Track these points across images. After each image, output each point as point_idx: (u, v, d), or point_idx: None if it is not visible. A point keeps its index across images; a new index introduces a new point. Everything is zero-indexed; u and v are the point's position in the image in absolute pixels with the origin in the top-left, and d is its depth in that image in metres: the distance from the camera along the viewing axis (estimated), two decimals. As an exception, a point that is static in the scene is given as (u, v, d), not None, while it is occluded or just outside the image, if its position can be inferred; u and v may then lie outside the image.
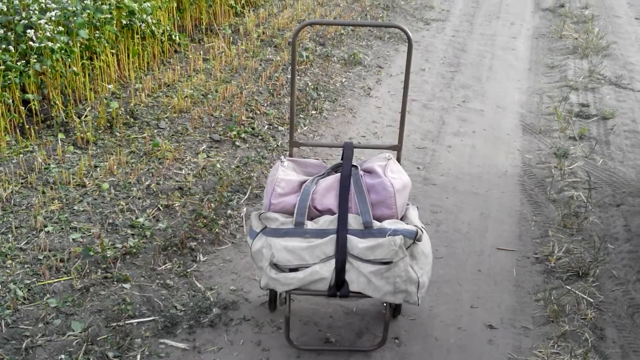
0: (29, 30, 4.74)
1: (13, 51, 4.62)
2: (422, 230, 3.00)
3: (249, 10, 8.17)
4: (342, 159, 3.11)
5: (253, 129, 5.17)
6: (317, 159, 3.81)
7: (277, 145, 5.01)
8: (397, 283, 2.90)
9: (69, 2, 5.24)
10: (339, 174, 3.06)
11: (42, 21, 4.84)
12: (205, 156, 4.70)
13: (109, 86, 5.21)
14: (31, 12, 5.00)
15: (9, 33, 4.86)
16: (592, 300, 3.57)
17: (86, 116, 5.04)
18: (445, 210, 4.39)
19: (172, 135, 4.97)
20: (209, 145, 4.88)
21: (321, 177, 3.10)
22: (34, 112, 4.88)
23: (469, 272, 3.78)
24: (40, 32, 4.86)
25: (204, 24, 7.29)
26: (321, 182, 3.06)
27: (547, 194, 4.62)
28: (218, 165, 4.57)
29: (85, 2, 5.36)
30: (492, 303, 3.54)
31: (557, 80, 6.81)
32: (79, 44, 5.28)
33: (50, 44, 4.83)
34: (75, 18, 5.18)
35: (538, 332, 3.33)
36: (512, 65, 7.25)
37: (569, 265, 3.83)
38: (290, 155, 3.33)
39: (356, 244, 2.89)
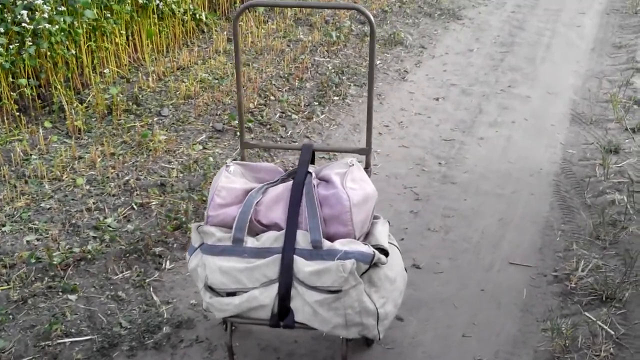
0: (22, 11, 4.46)
1: (-1, 33, 4.35)
2: (386, 252, 2.51)
3: (292, -14, 7.70)
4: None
5: (262, 117, 4.74)
6: (272, 163, 3.28)
7: (287, 136, 4.57)
8: (348, 315, 2.43)
9: (74, -20, 4.94)
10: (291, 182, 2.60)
11: (39, 1, 4.55)
12: (200, 148, 4.32)
13: (106, 70, 4.89)
14: (31, -9, 4.72)
15: (6, 14, 4.60)
16: (612, 332, 2.98)
17: (88, 102, 4.75)
18: (459, 215, 3.85)
19: (172, 123, 4.61)
20: (209, 135, 4.50)
21: (272, 184, 2.65)
22: (29, 98, 4.62)
23: (470, 291, 3.25)
24: (38, 12, 4.58)
25: (238, 1, 6.88)
26: (270, 190, 2.61)
27: (584, 198, 3.99)
28: (211, 159, 4.17)
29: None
30: (489, 331, 3.00)
31: (622, 62, 6.04)
32: (84, 25, 4.98)
33: (47, 25, 4.55)
34: (79, -3, 4.88)
35: (537, 372, 2.79)
36: (574, 45, 6.51)
37: (592, 287, 3.23)
38: (242, 158, 2.89)
39: (302, 267, 2.43)
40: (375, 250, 2.46)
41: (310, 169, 2.62)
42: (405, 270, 2.79)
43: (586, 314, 3.08)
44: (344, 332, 2.48)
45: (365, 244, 2.48)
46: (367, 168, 2.73)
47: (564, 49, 6.40)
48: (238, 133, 4.51)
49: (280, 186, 2.62)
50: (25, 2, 4.67)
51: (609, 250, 3.52)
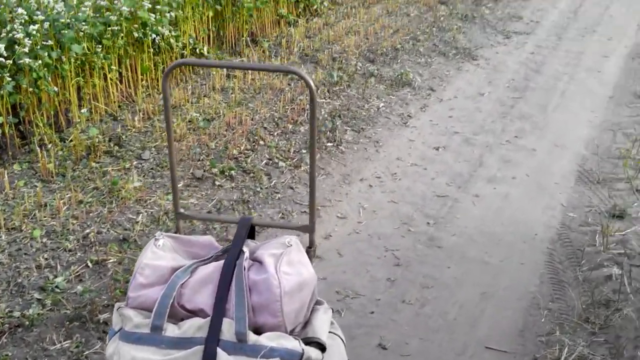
0: (0, 46, 4.32)
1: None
2: (323, 346, 2.24)
3: (305, 20, 7.51)
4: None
5: (247, 163, 4.51)
6: (209, 235, 2.89)
7: (270, 186, 4.33)
8: (272, 421, 2.16)
9: (63, 13, 4.79)
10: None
11: (20, 35, 4.40)
12: (174, 197, 4.09)
13: (83, 111, 4.71)
14: (16, 24, 4.58)
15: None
16: None
17: (71, 141, 4.57)
18: (440, 285, 3.55)
19: (151, 168, 4.40)
20: (186, 183, 4.27)
21: (203, 262, 2.40)
22: (8, 137, 4.46)
23: (436, 380, 2.96)
24: (19, 47, 4.43)
25: (245, 35, 6.70)
26: (200, 270, 2.35)
27: (579, 271, 3.66)
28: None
29: (86, 12, 4.90)
30: None
31: (641, 114, 5.70)
32: (72, 60, 4.82)
33: (28, 60, 4.39)
34: (66, 31, 4.73)
35: None
36: (592, 92, 6.16)
37: (573, 382, 2.92)
38: (178, 230, 2.65)
39: (223, 363, 2.18)
40: (306, 346, 2.19)
41: (247, 246, 2.37)
42: (350, 364, 2.52)
43: (562, 414, 2.77)
44: None
45: (297, 339, 2.21)
46: (310, 248, 2.47)
47: (581, 96, 6.06)
48: (215, 182, 4.29)
49: (211, 265, 2.36)
50: (10, 35, 4.54)
51: (598, 335, 3.19)
